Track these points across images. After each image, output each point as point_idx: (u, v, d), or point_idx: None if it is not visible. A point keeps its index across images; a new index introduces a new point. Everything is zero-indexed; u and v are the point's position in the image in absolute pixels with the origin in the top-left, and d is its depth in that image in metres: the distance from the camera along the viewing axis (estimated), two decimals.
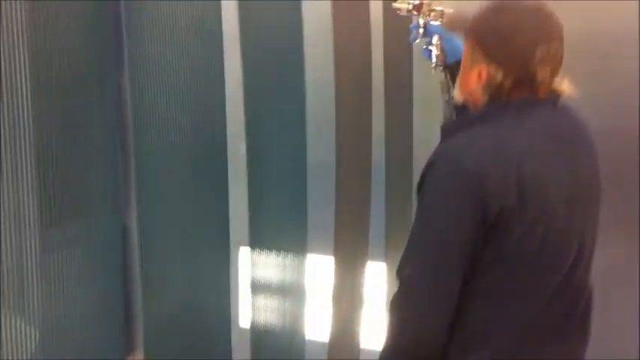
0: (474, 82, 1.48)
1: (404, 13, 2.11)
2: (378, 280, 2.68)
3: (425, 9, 2.04)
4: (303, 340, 2.11)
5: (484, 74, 1.45)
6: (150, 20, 1.46)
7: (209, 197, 1.69)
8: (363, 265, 2.50)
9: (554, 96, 1.49)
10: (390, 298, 1.49)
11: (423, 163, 2.81)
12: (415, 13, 2.07)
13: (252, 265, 1.91)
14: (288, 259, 2.08)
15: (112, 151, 1.39)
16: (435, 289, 1.41)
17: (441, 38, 1.99)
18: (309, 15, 2.07)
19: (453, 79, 1.94)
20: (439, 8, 2.05)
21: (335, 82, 2.17)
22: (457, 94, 1.62)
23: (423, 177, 1.45)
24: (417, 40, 2.03)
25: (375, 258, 2.71)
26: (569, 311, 1.53)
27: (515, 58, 1.42)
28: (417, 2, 2.09)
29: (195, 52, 1.59)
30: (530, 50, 1.40)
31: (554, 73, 1.44)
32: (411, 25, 2.05)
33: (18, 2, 1.16)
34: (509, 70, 1.43)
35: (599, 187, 1.55)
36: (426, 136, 2.94)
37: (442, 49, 1.98)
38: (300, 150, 2.13)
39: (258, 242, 1.93)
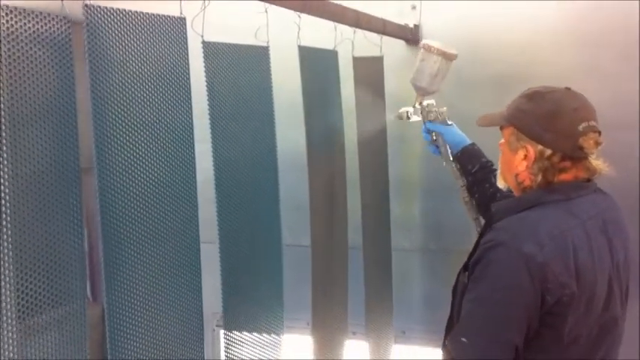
0: (520, 163, 1.62)
1: (405, 120, 2.33)
2: (359, 356, 2.73)
3: (423, 112, 2.25)
4: None
5: (531, 154, 1.59)
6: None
7: (181, 280, 1.75)
8: (342, 341, 2.54)
9: (593, 176, 1.62)
10: None
11: (401, 239, 2.90)
12: (417, 117, 2.28)
13: (228, 345, 1.97)
14: (265, 338, 2.13)
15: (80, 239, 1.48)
16: None
17: (442, 134, 2.22)
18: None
19: (461, 167, 2.17)
20: (435, 109, 2.25)
21: (308, 163, 2.27)
22: (501, 182, 1.76)
23: (480, 258, 1.53)
24: (431, 143, 2.24)
25: (355, 336, 2.77)
26: None
27: (560, 137, 1.56)
28: (413, 108, 2.28)
29: (166, 141, 1.67)
30: (573, 127, 1.54)
31: (597, 143, 1.57)
32: (422, 129, 2.27)
33: None
34: (556, 148, 1.56)
35: (628, 262, 1.66)
36: (404, 216, 3.05)
37: (446, 144, 2.22)
38: (274, 231, 2.21)
39: (233, 323, 1.98)
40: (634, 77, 2.64)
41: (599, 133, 1.58)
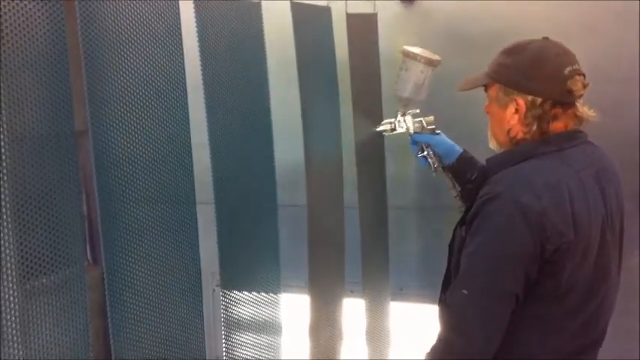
0: (512, 117, 1.63)
1: (389, 133, 2.25)
2: (356, 314, 2.76)
3: (408, 123, 2.14)
4: None
5: (522, 106, 1.60)
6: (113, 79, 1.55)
7: (178, 241, 1.75)
8: (339, 299, 2.56)
9: (582, 124, 1.64)
10: (441, 316, 1.62)
11: (398, 197, 2.88)
12: (401, 129, 2.18)
13: (226, 304, 1.98)
14: (262, 296, 2.15)
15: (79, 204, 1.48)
16: (486, 313, 1.53)
17: (431, 145, 2.13)
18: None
19: (455, 176, 2.12)
20: (418, 119, 2.16)
21: (302, 122, 2.25)
22: (492, 143, 1.75)
23: (477, 211, 1.54)
24: (422, 154, 2.13)
25: (352, 294, 2.79)
26: (600, 329, 1.67)
27: (549, 84, 1.58)
28: (396, 121, 2.19)
29: (160, 103, 1.66)
30: (559, 72, 1.57)
31: (584, 85, 1.60)
32: (409, 142, 2.19)
33: None
34: (546, 95, 1.58)
35: (622, 212, 1.69)
36: (400, 174, 3.05)
37: (436, 154, 2.13)
38: (270, 191, 2.20)
39: (230, 282, 2.00)
40: (634, 31, 2.61)
41: (584, 75, 1.61)
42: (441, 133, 2.16)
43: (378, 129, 2.29)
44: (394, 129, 2.22)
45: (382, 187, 2.87)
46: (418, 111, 2.18)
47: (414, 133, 2.16)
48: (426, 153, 2.14)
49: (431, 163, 2.14)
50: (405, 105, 2.17)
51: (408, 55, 2.12)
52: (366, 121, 2.69)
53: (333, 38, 2.47)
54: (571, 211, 1.51)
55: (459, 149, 2.15)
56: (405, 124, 2.17)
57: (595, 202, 1.57)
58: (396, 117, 2.20)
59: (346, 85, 2.54)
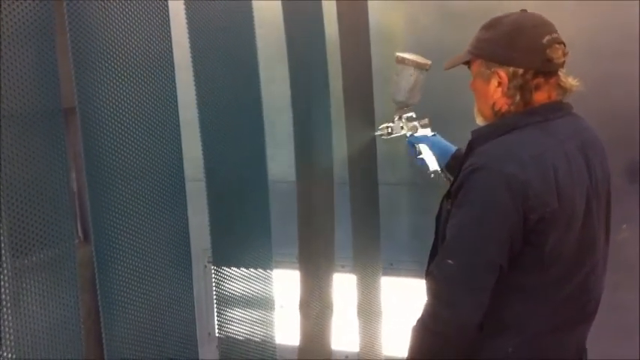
0: (495, 90, 1.65)
1: (387, 137, 2.32)
2: (347, 289, 2.78)
3: (405, 126, 2.22)
4: (273, 345, 2.19)
5: (504, 78, 1.62)
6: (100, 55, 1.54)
7: (167, 217, 1.76)
8: (330, 274, 2.58)
9: (566, 95, 1.65)
10: (428, 285, 1.63)
11: (388, 173, 2.90)
12: (398, 132, 2.26)
13: (218, 280, 1.99)
14: (254, 272, 2.16)
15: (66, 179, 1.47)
16: (472, 283, 1.55)
17: (427, 146, 2.19)
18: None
19: (451, 174, 2.12)
20: (414, 122, 2.22)
21: (292, 100, 2.25)
22: (479, 118, 1.77)
23: (462, 182, 1.57)
24: (419, 156, 2.20)
25: (343, 269, 2.81)
26: (590, 302, 1.70)
27: (528, 54, 1.60)
28: (392, 124, 2.26)
29: (147, 79, 1.65)
30: (538, 41, 1.59)
31: (564, 53, 1.62)
32: (406, 143, 2.25)
33: None
34: (527, 65, 1.61)
35: (608, 183, 1.71)
36: (391, 150, 3.05)
37: (432, 155, 2.18)
38: (260, 166, 2.20)
39: (221, 258, 2.00)
40: (632, 4, 2.59)
41: (564, 44, 1.62)
42: (437, 135, 2.22)
43: (376, 133, 2.39)
44: (391, 132, 2.29)
45: (372, 163, 2.88)
46: (413, 114, 2.25)
47: (410, 135, 2.22)
48: (422, 154, 2.20)
49: (428, 164, 2.19)
50: (400, 108, 2.25)
51: (399, 60, 2.20)
52: (357, 98, 2.69)
53: (322, 19, 2.45)
54: (555, 180, 1.53)
55: (453, 148, 2.19)
56: (401, 127, 2.24)
57: (579, 173, 1.59)
58: (392, 121, 2.27)
59: (336, 66, 2.53)
